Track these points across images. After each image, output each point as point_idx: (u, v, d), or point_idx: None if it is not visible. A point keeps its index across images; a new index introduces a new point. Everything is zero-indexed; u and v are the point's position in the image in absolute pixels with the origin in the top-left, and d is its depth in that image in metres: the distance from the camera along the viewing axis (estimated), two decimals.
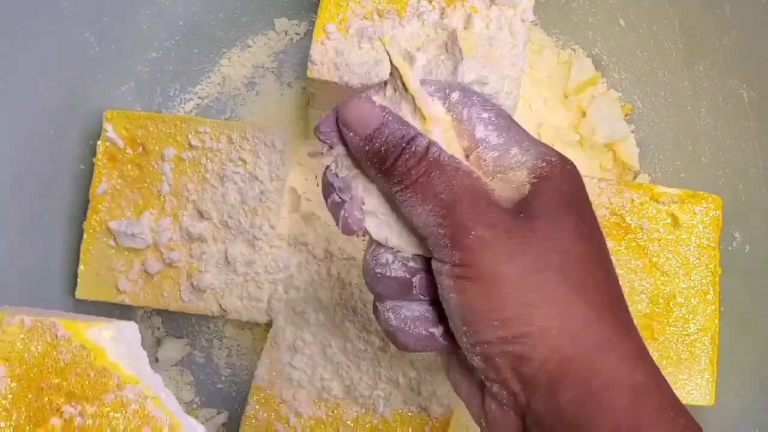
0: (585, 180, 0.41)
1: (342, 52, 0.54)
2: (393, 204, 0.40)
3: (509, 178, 0.39)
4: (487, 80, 0.52)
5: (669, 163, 0.68)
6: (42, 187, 0.62)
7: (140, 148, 0.62)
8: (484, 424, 0.40)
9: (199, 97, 0.72)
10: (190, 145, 0.62)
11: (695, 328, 0.59)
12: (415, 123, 0.40)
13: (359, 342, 0.61)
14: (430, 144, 0.39)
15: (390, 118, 0.40)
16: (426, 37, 0.54)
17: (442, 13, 0.55)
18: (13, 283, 0.59)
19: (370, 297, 0.61)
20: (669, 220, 0.60)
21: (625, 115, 0.70)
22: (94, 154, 0.62)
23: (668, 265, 0.60)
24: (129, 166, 0.62)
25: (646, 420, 0.36)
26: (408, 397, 0.61)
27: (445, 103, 0.40)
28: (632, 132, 0.70)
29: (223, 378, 0.71)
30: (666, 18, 0.65)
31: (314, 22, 0.55)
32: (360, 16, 0.55)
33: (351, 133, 0.40)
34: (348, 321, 0.61)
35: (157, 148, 0.62)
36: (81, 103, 0.64)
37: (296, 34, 0.72)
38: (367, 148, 0.40)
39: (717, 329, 0.59)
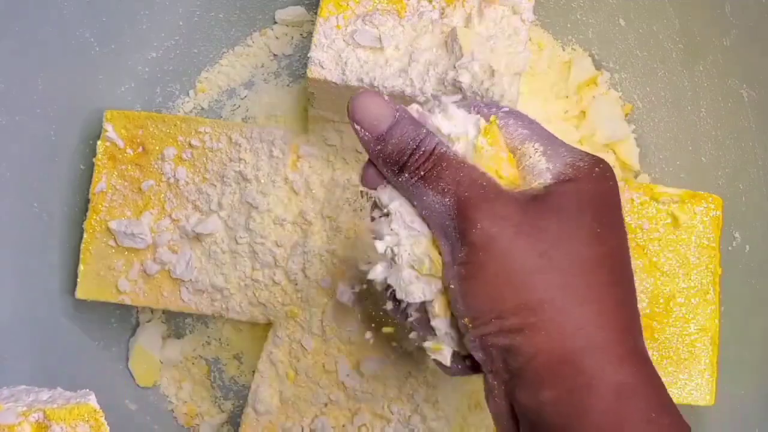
0: None
1: (342, 51, 0.54)
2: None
3: (531, 182, 0.40)
4: (486, 79, 0.52)
5: (669, 163, 0.68)
6: (42, 187, 0.62)
7: (140, 148, 0.62)
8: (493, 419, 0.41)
9: (199, 97, 0.72)
10: (190, 145, 0.62)
11: (695, 328, 0.59)
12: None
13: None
14: (438, 143, 0.39)
15: (402, 115, 0.40)
16: (426, 36, 0.54)
17: (442, 13, 0.55)
18: (13, 283, 0.59)
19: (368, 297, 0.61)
20: (669, 220, 0.60)
21: (625, 115, 0.70)
22: (94, 154, 0.62)
23: (668, 265, 0.60)
24: (129, 166, 0.62)
25: (628, 421, 0.36)
26: (408, 398, 0.61)
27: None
28: (632, 132, 0.70)
29: (223, 378, 0.71)
30: (666, 18, 0.65)
31: (314, 21, 0.55)
32: (360, 16, 0.55)
33: (362, 130, 0.40)
34: (348, 321, 0.61)
35: (157, 148, 0.62)
36: (81, 103, 0.64)
37: (296, 33, 0.72)
38: (378, 147, 0.40)
39: (717, 329, 0.59)
